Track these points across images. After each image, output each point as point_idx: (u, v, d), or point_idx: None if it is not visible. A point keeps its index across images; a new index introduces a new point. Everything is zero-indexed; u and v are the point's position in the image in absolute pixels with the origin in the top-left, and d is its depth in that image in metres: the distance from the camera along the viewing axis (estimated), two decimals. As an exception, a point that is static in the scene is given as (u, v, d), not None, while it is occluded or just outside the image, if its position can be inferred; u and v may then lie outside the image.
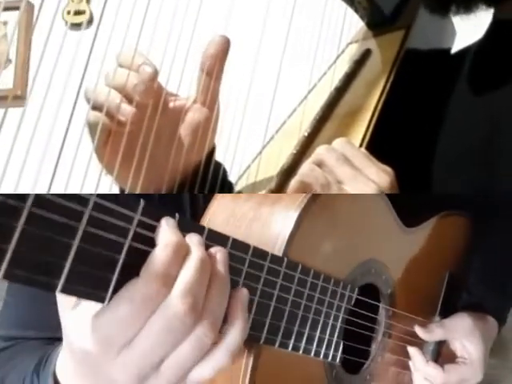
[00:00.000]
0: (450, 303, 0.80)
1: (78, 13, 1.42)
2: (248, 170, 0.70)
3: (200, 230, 0.42)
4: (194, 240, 0.40)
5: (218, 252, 0.41)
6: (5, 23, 1.46)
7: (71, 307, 0.40)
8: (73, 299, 0.40)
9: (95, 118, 0.54)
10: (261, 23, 0.67)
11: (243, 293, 0.44)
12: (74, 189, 0.48)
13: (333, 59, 0.76)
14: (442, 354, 0.75)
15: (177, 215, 0.40)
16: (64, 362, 0.45)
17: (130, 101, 0.54)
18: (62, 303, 0.42)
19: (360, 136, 0.61)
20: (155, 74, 0.54)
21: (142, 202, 0.38)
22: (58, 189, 0.47)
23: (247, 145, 0.66)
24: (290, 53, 0.70)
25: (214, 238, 0.43)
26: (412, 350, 0.73)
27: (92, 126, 0.54)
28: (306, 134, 0.66)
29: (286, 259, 0.51)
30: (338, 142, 0.56)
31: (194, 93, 0.59)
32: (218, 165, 0.64)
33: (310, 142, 0.66)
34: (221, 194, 0.59)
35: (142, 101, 0.54)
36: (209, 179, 0.59)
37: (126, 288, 0.37)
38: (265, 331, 0.50)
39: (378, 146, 0.60)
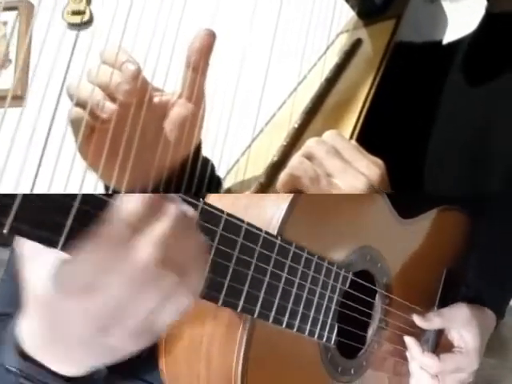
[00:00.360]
0: (449, 297, 0.80)
1: (77, 13, 1.42)
2: (237, 164, 0.69)
3: (196, 200, 0.43)
4: (171, 198, 0.40)
5: (189, 210, 0.41)
6: (5, 23, 1.46)
7: (34, 258, 0.40)
8: (36, 251, 0.40)
9: (78, 114, 0.53)
10: (249, 14, 0.66)
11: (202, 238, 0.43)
12: (57, 187, 0.47)
13: (323, 50, 0.75)
14: (439, 344, 0.75)
15: None
16: (25, 321, 0.44)
17: (113, 98, 0.53)
18: (24, 256, 0.41)
19: (350, 128, 0.61)
20: (138, 71, 0.53)
21: None
22: (42, 187, 0.46)
23: (236, 138, 0.66)
24: (279, 44, 0.69)
25: (209, 210, 0.45)
26: (408, 340, 0.73)
27: (74, 123, 0.54)
28: (296, 125, 0.65)
29: (280, 236, 0.52)
30: (328, 135, 0.55)
31: (179, 88, 0.58)
32: (206, 160, 0.63)
33: (300, 134, 0.65)
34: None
35: (124, 100, 0.53)
36: (196, 175, 0.59)
37: (94, 234, 0.36)
38: (258, 305, 0.51)
39: (369, 138, 0.59)
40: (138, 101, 0.54)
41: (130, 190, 0.55)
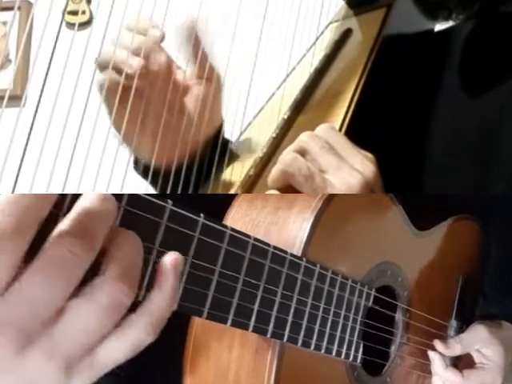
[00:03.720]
0: (466, 306, 0.80)
1: (77, 13, 1.43)
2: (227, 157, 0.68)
3: (223, 226, 0.44)
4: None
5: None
6: (5, 23, 1.46)
7: None
8: None
9: (104, 77, 0.55)
10: (237, 4, 0.65)
11: (174, 257, 0.36)
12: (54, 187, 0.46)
13: (312, 40, 0.74)
14: (461, 359, 0.75)
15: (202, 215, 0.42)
16: None
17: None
18: None
19: (340, 119, 0.60)
20: (163, 37, 0.56)
21: None
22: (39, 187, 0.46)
23: (225, 132, 0.65)
24: (267, 34, 0.68)
25: (236, 236, 0.45)
26: (432, 354, 0.73)
27: (101, 88, 0.56)
28: (286, 117, 0.65)
29: (304, 258, 0.52)
30: (322, 129, 0.53)
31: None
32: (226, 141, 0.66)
33: (289, 126, 0.64)
34: (240, 198, 0.59)
35: (151, 59, 0.56)
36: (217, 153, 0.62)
37: None
38: (287, 329, 0.51)
39: (359, 131, 0.58)
40: (164, 70, 0.57)
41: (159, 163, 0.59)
